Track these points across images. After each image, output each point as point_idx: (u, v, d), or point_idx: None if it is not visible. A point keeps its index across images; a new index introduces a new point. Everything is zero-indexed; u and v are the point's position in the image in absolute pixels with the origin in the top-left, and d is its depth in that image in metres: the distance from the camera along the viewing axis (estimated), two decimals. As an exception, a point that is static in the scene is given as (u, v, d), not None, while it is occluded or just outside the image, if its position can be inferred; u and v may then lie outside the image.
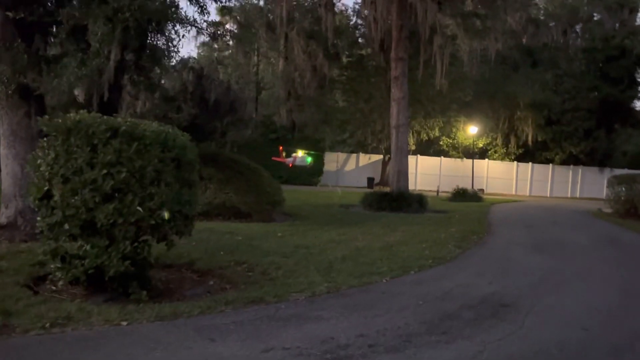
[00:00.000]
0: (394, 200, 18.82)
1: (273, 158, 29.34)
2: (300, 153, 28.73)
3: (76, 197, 4.90)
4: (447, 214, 18.45)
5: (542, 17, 48.21)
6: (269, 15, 31.82)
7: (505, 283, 7.24)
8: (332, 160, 36.46)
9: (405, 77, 19.75)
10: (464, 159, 38.76)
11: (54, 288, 5.55)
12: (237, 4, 31.64)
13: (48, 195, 5.03)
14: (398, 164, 19.84)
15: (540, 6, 48.58)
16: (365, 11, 32.71)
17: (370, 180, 35.80)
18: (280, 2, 31.91)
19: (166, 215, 5.14)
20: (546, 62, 41.61)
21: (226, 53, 51.09)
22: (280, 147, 28.91)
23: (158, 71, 9.62)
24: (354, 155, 37.89)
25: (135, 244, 5.34)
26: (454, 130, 39.22)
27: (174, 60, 10.64)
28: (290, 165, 28.40)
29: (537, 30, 46.73)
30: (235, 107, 12.40)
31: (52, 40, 7.67)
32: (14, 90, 7.31)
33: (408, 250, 9.68)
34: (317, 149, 33.91)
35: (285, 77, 31.81)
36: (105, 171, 4.91)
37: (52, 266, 5.42)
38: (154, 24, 7.45)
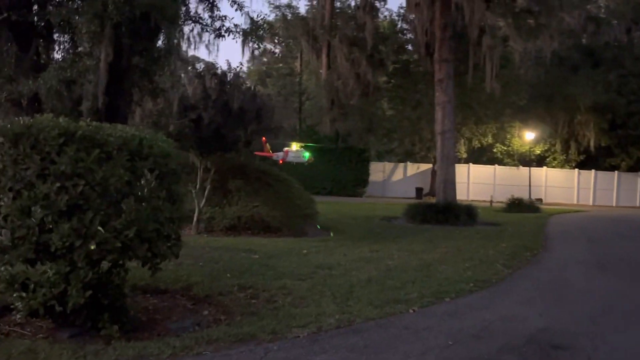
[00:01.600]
0: (440, 211, 17.49)
1: (256, 153, 24.03)
2: (294, 147, 25.18)
3: (26, 216, 4.14)
4: (499, 227, 16.93)
5: (603, 15, 45.29)
6: (311, 23, 31.24)
7: (561, 315, 5.98)
8: (379, 170, 35.28)
9: (451, 80, 18.46)
10: (520, 167, 36.61)
11: (18, 320, 4.81)
12: (279, 14, 31.34)
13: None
14: (444, 172, 18.52)
15: (601, 4, 45.72)
16: (411, 15, 31.60)
17: (419, 191, 34.37)
18: (322, 9, 31.32)
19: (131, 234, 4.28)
20: (609, 62, 38.79)
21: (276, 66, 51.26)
22: (264, 139, 23.44)
23: (167, 75, 9.00)
24: (402, 164, 36.56)
25: (99, 269, 4.51)
26: (508, 136, 37.18)
27: (185, 63, 10.03)
28: (281, 161, 24.52)
29: (597, 29, 43.89)
30: (261, 115, 11.56)
31: (44, 43, 7.15)
32: (5, 97, 6.80)
33: (447, 270, 8.49)
34: (362, 159, 32.88)
35: (328, 85, 31.03)
36: (58, 184, 4.13)
37: (14, 294, 4.69)
38: (151, 21, 6.78)
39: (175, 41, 7.78)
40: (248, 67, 55.42)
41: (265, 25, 9.58)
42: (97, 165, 4.24)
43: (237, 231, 12.55)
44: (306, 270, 7.64)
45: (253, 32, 8.83)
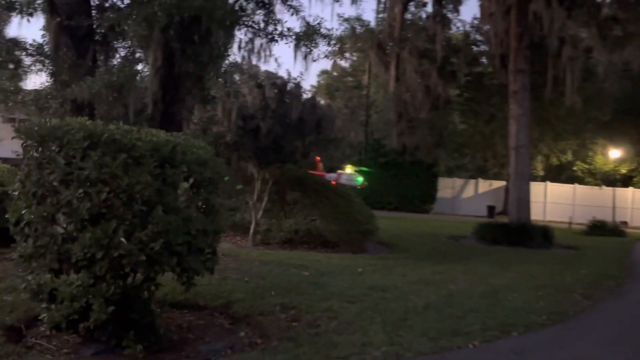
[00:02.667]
0: (512, 232, 16.30)
1: (310, 171, 25.47)
2: (348, 170, 24.93)
3: (50, 224, 3.90)
4: (578, 251, 15.53)
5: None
6: (380, 35, 30.77)
7: (654, 361, 5.06)
8: (448, 187, 33.95)
9: (527, 92, 17.30)
10: (603, 187, 34.02)
11: (46, 333, 4.60)
12: (347, 27, 31.15)
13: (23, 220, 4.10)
14: (518, 190, 17.31)
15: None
16: (485, 26, 30.39)
17: (491, 209, 32.70)
18: (392, 21, 30.79)
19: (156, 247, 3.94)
20: None
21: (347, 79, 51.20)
22: (318, 158, 24.76)
23: (222, 82, 8.80)
24: (473, 181, 35.00)
25: (124, 283, 4.20)
26: (590, 154, 34.73)
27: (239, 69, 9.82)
28: (334, 182, 23.80)
29: (694, 38, 40.39)
30: (321, 125, 11.17)
31: (101, 49, 7.12)
32: (63, 102, 6.81)
33: (517, 298, 7.63)
34: (431, 174, 31.79)
35: (396, 98, 30.32)
36: (81, 191, 3.86)
37: (43, 306, 4.48)
38: (202, 25, 6.56)
39: (228, 46, 7.56)
40: (318, 81, 55.89)
41: (319, 28, 9.18)
42: (122, 172, 3.94)
43: (294, 245, 12.17)
44: (358, 292, 7.07)
45: (307, 36, 8.45)
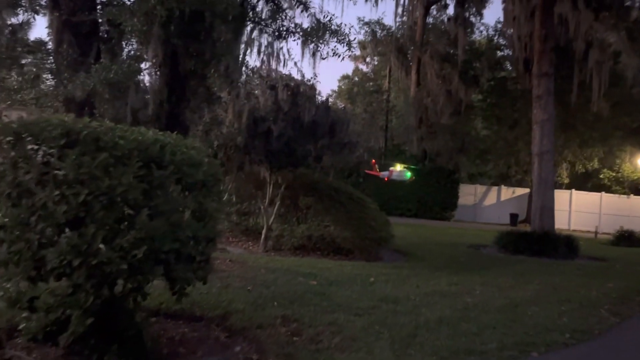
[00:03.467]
0: (535, 241, 15.65)
1: (367, 171, 27.64)
2: (398, 167, 26.59)
3: (25, 228, 3.62)
4: (605, 263, 14.84)
5: None
6: (400, 39, 30.33)
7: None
8: (469, 193, 33.20)
9: (551, 96, 16.68)
10: (631, 195, 32.91)
11: (25, 344, 4.31)
12: (368, 30, 30.80)
13: (0, 223, 3.82)
14: (541, 198, 16.67)
15: None
16: (509, 30, 29.72)
17: (514, 217, 31.88)
18: (414, 25, 30.32)
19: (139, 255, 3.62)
20: None
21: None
22: (373, 161, 27.12)
23: (230, 81, 8.49)
24: (495, 188, 34.19)
25: (105, 293, 3.88)
26: (617, 161, 33.67)
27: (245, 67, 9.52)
28: (386, 179, 26.78)
29: None
30: (335, 129, 10.82)
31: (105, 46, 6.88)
32: (62, 101, 6.59)
33: (539, 313, 7.14)
34: (451, 180, 31.14)
35: (417, 103, 29.80)
36: (57, 192, 3.56)
37: (23, 315, 4.20)
38: (205, 20, 6.27)
39: (233, 42, 7.26)
40: (339, 86, 55.56)
41: (330, 25, 8.80)
42: (103, 172, 3.63)
43: (306, 251, 11.83)
44: (367, 304, 6.67)
45: (316, 33, 8.10)
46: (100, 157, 3.62)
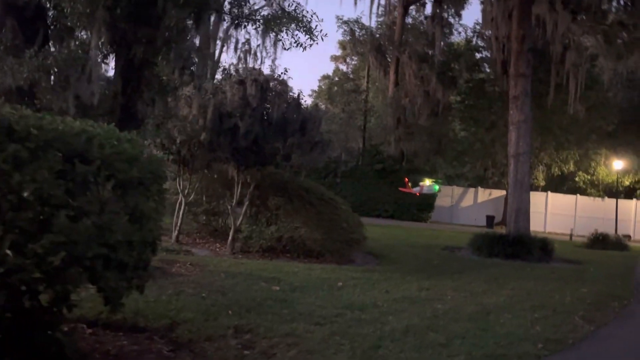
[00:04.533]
0: (510, 244, 15.44)
1: (400, 189, 29.30)
2: (427, 182, 28.61)
3: None
4: (580, 266, 14.69)
5: None
6: (379, 39, 30.04)
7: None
8: (446, 195, 33.11)
9: (528, 97, 16.52)
10: (606, 198, 33.19)
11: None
12: (346, 29, 30.44)
13: None
14: (517, 200, 16.49)
15: None
16: (487, 31, 29.68)
17: (490, 219, 31.89)
18: (392, 25, 30.09)
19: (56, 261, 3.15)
20: None
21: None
22: (406, 179, 29.07)
23: (196, 73, 7.99)
24: (472, 190, 34.20)
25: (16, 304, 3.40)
26: (592, 164, 33.95)
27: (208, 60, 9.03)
28: (418, 194, 28.90)
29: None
30: (306, 127, 10.40)
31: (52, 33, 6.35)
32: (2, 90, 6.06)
33: (511, 321, 6.82)
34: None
35: (395, 103, 29.56)
36: (-44, 190, 3.08)
37: None
38: (157, 2, 5.79)
39: (186, 29, 6.79)
40: (319, 87, 55.14)
41: (296, 14, 8.37)
42: (12, 167, 3.15)
43: (275, 253, 11.40)
44: (330, 312, 6.26)
45: (277, 20, 7.67)
46: (9, 148, 3.14)
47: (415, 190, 29.07)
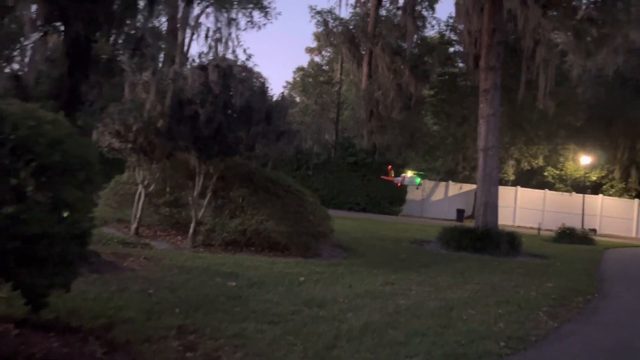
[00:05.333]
0: (477, 238, 15.37)
1: (382, 177, 29.04)
2: (409, 173, 28.67)
3: None
4: (546, 260, 14.73)
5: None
6: (353, 30, 29.72)
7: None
8: (418, 189, 33.10)
9: (498, 91, 16.45)
10: (573, 193, 33.70)
11: None
12: (320, 19, 30.04)
13: None
14: (486, 194, 16.44)
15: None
16: (460, 26, 29.65)
17: (460, 213, 32.04)
18: (366, 16, 29.80)
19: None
20: (678, 85, 35.42)
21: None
22: (390, 167, 29.03)
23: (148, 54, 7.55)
24: (443, 183, 34.30)
25: None
26: (561, 159, 34.40)
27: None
28: (399, 185, 29.05)
29: (667, 48, 40.40)
30: (271, 115, 10.04)
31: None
32: None
33: (474, 317, 6.63)
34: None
35: (368, 96, 29.33)
36: None
37: None
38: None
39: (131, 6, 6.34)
40: (294, 78, 54.58)
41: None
42: None
43: (239, 247, 11.02)
44: (287, 309, 5.96)
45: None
46: None
47: (397, 180, 29.07)
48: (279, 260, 9.83)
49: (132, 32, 6.78)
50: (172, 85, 9.19)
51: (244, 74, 10.51)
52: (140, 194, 11.51)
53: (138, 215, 11.55)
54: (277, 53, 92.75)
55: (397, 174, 29.39)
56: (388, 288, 8.09)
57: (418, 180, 29.37)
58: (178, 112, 9.28)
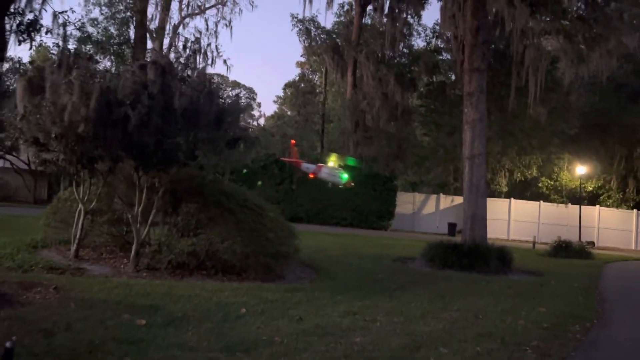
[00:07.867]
0: (464, 254, 14.01)
1: (282, 159, 24.22)
2: (331, 163, 22.63)
3: None
4: (540, 278, 13.39)
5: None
6: (336, 38, 28.67)
7: None
8: (407, 202, 31.79)
9: (483, 94, 15.25)
10: (569, 204, 32.40)
11: None
12: (302, 28, 29.02)
13: None
14: (472, 206, 15.15)
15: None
16: (447, 32, 28.68)
17: (452, 227, 30.66)
18: (350, 24, 28.78)
19: None
20: (674, 91, 34.42)
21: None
22: (293, 142, 23.36)
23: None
24: (434, 196, 32.97)
25: None
26: (555, 169, 33.18)
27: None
28: (312, 175, 22.47)
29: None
30: (222, 119, 8.76)
31: None
32: None
33: (445, 359, 5.29)
34: (388, 188, 29.56)
35: (353, 106, 28.16)
36: None
37: None
38: None
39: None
40: (285, 92, 53.59)
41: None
42: None
43: (188, 270, 9.66)
44: (200, 356, 4.60)
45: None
46: None
47: (308, 168, 22.64)
48: (227, 287, 8.49)
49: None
50: (98, 84, 7.91)
51: (191, 73, 9.26)
52: (79, 211, 10.20)
53: (78, 236, 10.22)
54: (272, 69, 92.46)
55: (313, 162, 22.31)
56: (347, 320, 6.74)
57: (344, 176, 22.83)
58: (105, 115, 7.97)
